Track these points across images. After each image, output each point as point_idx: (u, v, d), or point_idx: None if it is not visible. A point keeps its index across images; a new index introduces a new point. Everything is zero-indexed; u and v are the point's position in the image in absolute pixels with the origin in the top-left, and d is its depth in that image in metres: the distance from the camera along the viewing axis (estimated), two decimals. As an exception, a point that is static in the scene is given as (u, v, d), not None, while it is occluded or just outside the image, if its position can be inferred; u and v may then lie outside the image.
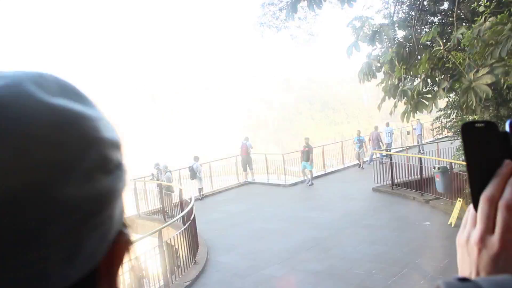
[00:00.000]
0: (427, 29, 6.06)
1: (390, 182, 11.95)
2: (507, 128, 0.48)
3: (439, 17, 7.05)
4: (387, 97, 5.03)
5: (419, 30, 4.83)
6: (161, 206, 11.19)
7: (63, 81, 0.36)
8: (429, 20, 6.95)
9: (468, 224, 0.49)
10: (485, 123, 0.47)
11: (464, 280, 0.40)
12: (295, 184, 14.45)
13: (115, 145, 0.36)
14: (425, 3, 4.88)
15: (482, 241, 0.46)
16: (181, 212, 9.95)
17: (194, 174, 13.37)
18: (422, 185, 10.91)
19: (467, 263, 0.48)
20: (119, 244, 0.38)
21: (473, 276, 0.47)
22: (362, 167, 15.90)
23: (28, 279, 0.30)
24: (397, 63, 4.89)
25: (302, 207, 11.44)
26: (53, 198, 0.30)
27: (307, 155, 14.01)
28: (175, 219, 7.64)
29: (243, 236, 9.33)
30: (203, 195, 13.55)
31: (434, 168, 10.09)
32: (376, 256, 7.45)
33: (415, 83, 4.67)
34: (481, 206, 0.46)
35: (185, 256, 7.79)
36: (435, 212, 9.75)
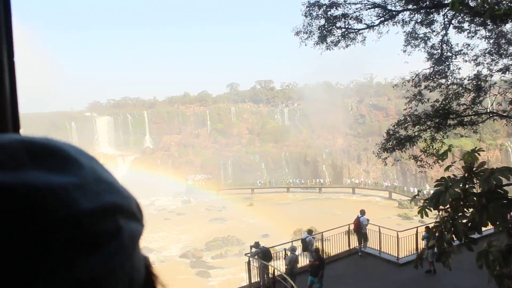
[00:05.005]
0: None
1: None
2: None
3: None
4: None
5: None
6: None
7: (38, 144, 0.31)
8: None
9: None
10: None
11: None
12: (408, 263, 14.15)
13: (105, 213, 0.31)
14: None
15: None
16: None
17: (306, 246, 14.06)
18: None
19: None
20: None
21: None
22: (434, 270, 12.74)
23: None
24: None
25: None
26: None
27: (316, 269, 11.77)
28: None
29: None
30: (314, 267, 14.18)
31: None
32: None
33: None
34: None
35: None
36: None
